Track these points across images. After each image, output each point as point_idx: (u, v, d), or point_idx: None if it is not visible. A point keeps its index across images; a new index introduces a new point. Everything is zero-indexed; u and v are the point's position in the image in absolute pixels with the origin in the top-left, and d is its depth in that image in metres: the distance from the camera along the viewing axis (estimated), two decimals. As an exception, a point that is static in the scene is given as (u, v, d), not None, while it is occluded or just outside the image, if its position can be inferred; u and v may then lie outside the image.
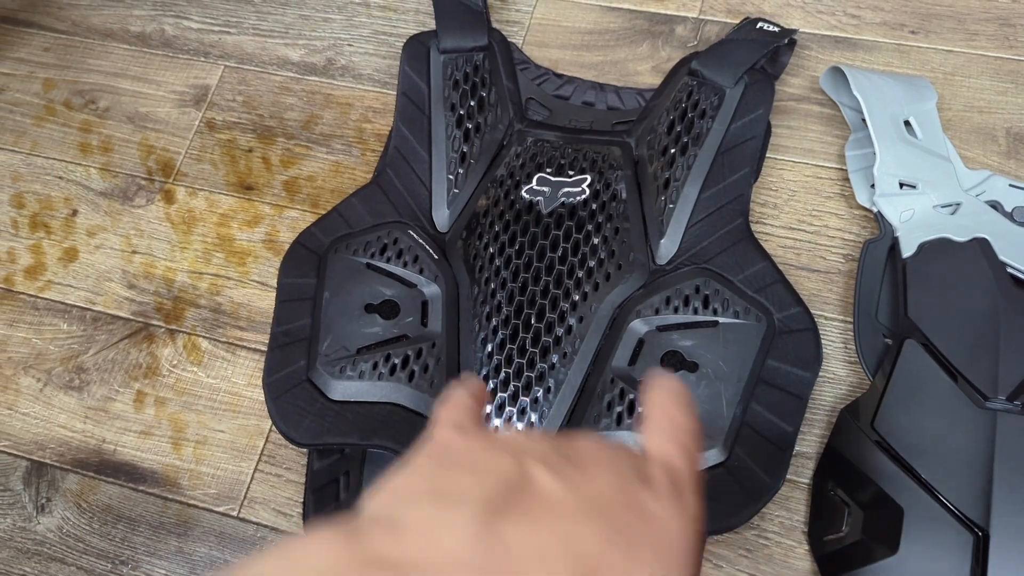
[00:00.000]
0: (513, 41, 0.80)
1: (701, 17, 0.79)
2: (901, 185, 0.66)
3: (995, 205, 0.66)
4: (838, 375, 0.65)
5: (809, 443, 0.63)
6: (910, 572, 0.54)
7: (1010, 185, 0.67)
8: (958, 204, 0.65)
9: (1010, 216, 0.66)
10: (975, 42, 0.74)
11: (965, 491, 0.55)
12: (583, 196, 0.68)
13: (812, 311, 0.66)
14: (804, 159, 0.72)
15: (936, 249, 0.63)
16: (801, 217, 0.70)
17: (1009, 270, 0.62)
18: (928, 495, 0.56)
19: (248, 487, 0.66)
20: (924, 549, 0.55)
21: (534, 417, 0.63)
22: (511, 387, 0.63)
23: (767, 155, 0.73)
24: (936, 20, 0.75)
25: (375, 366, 0.64)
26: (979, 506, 0.54)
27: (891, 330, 0.63)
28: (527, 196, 0.68)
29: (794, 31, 0.72)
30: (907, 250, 0.64)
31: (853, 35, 0.76)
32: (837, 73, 0.70)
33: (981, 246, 0.62)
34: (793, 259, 0.69)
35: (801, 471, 0.62)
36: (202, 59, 0.85)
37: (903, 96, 0.68)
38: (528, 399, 0.63)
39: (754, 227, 0.70)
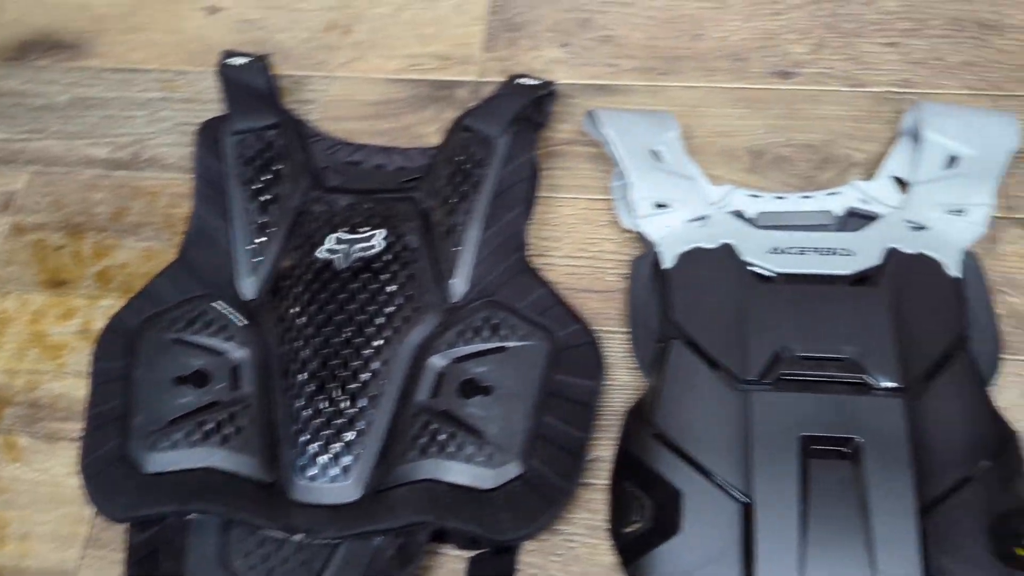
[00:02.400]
0: (311, 117, 0.86)
1: (479, 80, 0.87)
2: (657, 206, 0.74)
3: (739, 214, 0.75)
4: (624, 382, 0.71)
5: (606, 447, 0.68)
6: (691, 547, 0.60)
7: (748, 195, 0.76)
8: (706, 216, 0.74)
9: (753, 222, 0.74)
10: (714, 77, 0.84)
11: (731, 466, 0.61)
12: (376, 250, 0.73)
13: (596, 327, 0.73)
14: (578, 195, 0.80)
15: (691, 258, 0.71)
16: (580, 246, 0.77)
17: (752, 268, 0.70)
18: (701, 475, 0.62)
19: (76, 574, 0.66)
20: (701, 524, 0.60)
21: (348, 460, 0.66)
22: (323, 435, 0.66)
23: (546, 195, 0.80)
24: (680, 62, 0.86)
25: (188, 434, 0.66)
26: (743, 478, 0.61)
27: (662, 334, 0.70)
28: (324, 256, 0.73)
29: (551, 83, 0.81)
30: (668, 262, 0.71)
31: (612, 82, 0.85)
32: (592, 116, 0.78)
33: (727, 251, 0.71)
34: (576, 283, 0.76)
35: (601, 474, 0.68)
36: (7, 167, 0.87)
37: (649, 129, 0.77)
38: (340, 444, 0.66)
39: (539, 259, 0.77)
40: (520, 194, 0.74)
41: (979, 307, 0.68)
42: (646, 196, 0.74)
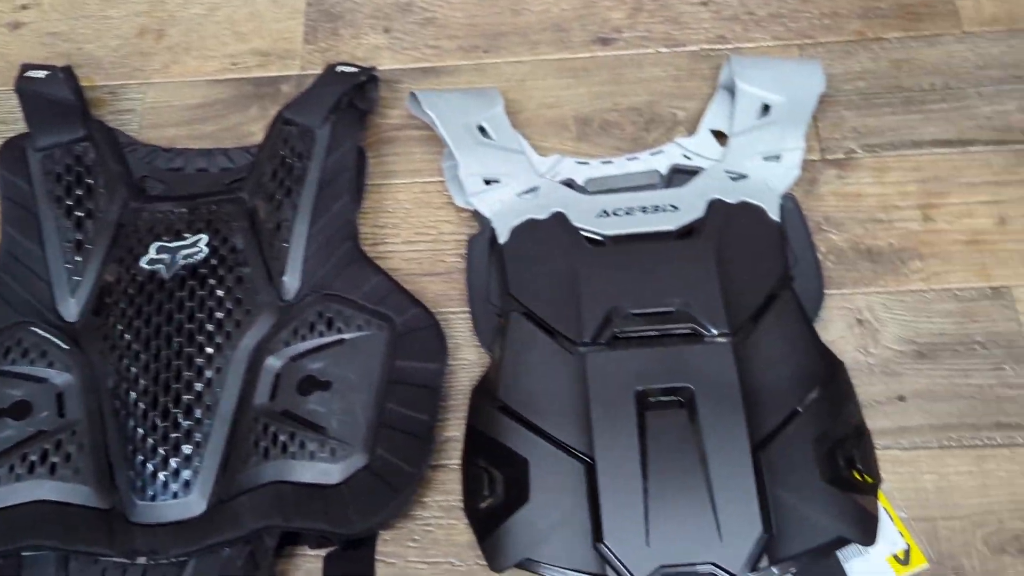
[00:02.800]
0: (130, 127, 0.83)
1: (302, 73, 0.85)
2: (487, 182, 0.74)
3: (570, 183, 0.75)
4: (471, 360, 0.71)
5: (457, 427, 0.68)
6: (540, 513, 0.60)
7: (577, 162, 0.76)
8: (536, 188, 0.74)
9: (583, 189, 0.75)
10: (537, 50, 0.85)
11: (572, 429, 0.62)
12: (201, 255, 0.70)
13: (440, 309, 0.72)
14: (413, 179, 0.79)
15: (524, 230, 0.71)
16: (419, 230, 0.77)
17: (583, 233, 0.70)
18: (545, 441, 0.62)
19: (-95, 634, 0.62)
20: (548, 490, 0.60)
21: (188, 474, 0.64)
22: (160, 452, 0.64)
23: (380, 182, 0.79)
24: (503, 38, 0.85)
25: (11, 469, 0.62)
26: (584, 438, 0.61)
27: (502, 309, 0.69)
28: (147, 267, 0.70)
29: (371, 69, 0.79)
30: (502, 236, 0.71)
31: (437, 64, 0.85)
32: (415, 99, 0.77)
33: (558, 219, 0.71)
34: (417, 268, 0.75)
35: (454, 455, 0.67)
36: None
37: (473, 106, 0.77)
38: (179, 459, 0.64)
39: (378, 246, 0.76)
40: (346, 183, 0.73)
41: (801, 247, 0.71)
42: (474, 172, 0.73)
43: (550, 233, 0.70)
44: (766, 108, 0.75)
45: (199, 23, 0.89)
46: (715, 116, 0.78)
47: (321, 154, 0.73)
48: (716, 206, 0.70)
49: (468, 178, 0.73)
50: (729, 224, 0.69)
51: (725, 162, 0.74)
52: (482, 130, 0.76)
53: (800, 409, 0.62)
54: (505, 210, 0.73)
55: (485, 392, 0.66)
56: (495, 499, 0.62)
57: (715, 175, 0.73)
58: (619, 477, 0.60)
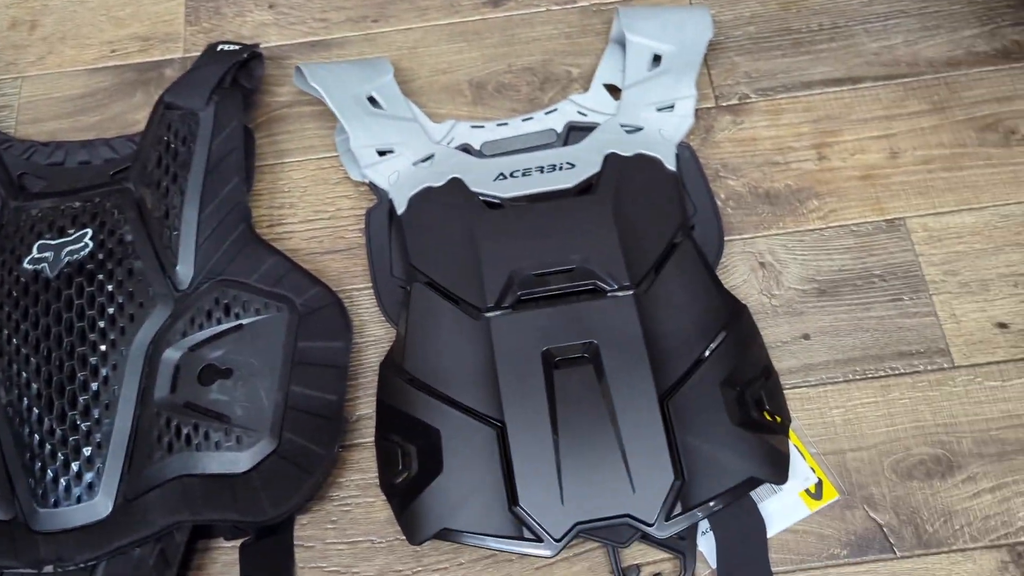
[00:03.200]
0: (7, 124, 0.79)
1: (186, 56, 0.82)
2: (380, 153, 0.72)
3: (466, 148, 0.74)
4: (378, 336, 0.70)
5: (368, 404, 0.67)
6: (454, 482, 0.59)
7: (472, 126, 0.75)
8: (431, 155, 0.72)
9: (479, 153, 0.74)
10: (427, 16, 0.83)
11: (482, 395, 0.61)
12: (87, 250, 0.67)
13: (343, 287, 0.71)
14: (307, 156, 0.77)
15: (422, 199, 0.70)
16: (316, 208, 0.75)
17: (482, 198, 0.69)
18: (455, 410, 0.61)
19: None
20: (462, 457, 0.60)
21: (91, 476, 0.61)
22: (60, 456, 0.61)
23: (273, 161, 0.77)
24: (391, 6, 0.84)
25: (-101, 488, 0.59)
26: (494, 403, 0.61)
27: (405, 281, 0.68)
28: (30, 267, 0.67)
29: (254, 46, 0.77)
30: (400, 207, 0.70)
31: (325, 36, 0.82)
32: (301, 72, 0.75)
33: (455, 184, 0.70)
34: (318, 247, 0.73)
35: (367, 432, 0.66)
36: None
37: (361, 76, 0.75)
38: (80, 461, 0.62)
39: (276, 227, 0.74)
40: (234, 165, 0.70)
41: (699, 196, 0.71)
42: (366, 144, 0.72)
43: (448, 200, 0.69)
44: (657, 59, 0.75)
45: (74, 11, 0.85)
46: (607, 70, 0.77)
47: (206, 137, 0.71)
48: (612, 160, 0.70)
49: (361, 150, 0.72)
50: (625, 177, 0.69)
51: (619, 116, 0.73)
52: (372, 101, 0.74)
53: (706, 355, 0.62)
54: (401, 180, 0.71)
55: (392, 366, 0.65)
56: (410, 473, 0.61)
57: (610, 129, 0.73)
58: (530, 439, 0.59)
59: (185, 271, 0.68)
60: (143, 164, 0.71)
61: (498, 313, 0.64)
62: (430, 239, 0.68)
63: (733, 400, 0.61)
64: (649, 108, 0.73)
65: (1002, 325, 0.67)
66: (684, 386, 0.61)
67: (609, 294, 0.64)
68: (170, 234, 0.68)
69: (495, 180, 0.70)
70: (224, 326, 0.65)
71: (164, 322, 0.66)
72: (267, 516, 0.59)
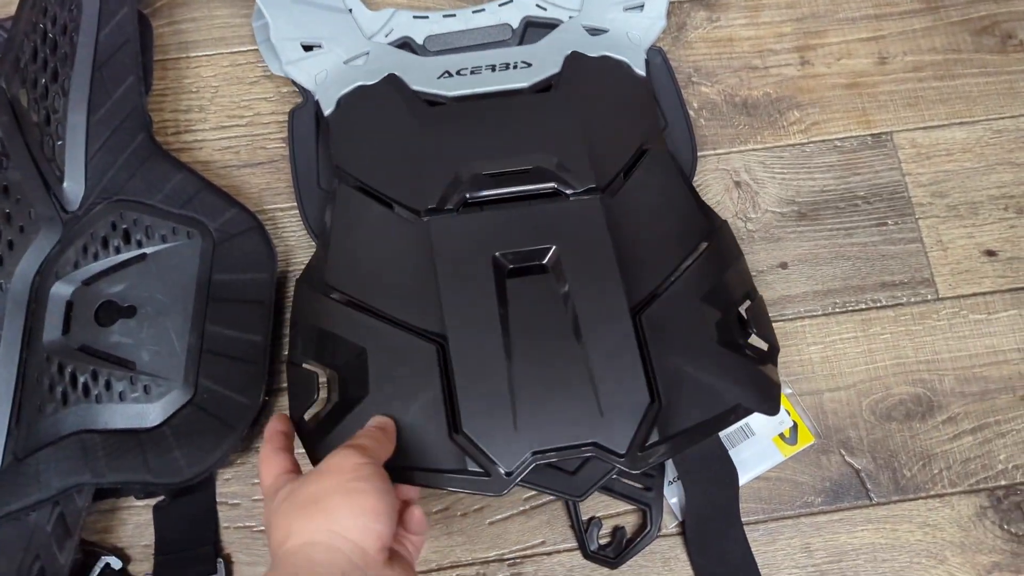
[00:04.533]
0: None
1: (66, -79, 0.68)
2: (306, 48, 0.62)
3: (407, 42, 0.64)
4: (305, 262, 0.60)
5: (298, 342, 0.59)
6: (382, 406, 0.50)
7: (414, 17, 0.65)
8: (366, 53, 0.62)
9: (423, 48, 0.64)
10: None
11: (419, 307, 0.52)
12: (-49, 163, 0.56)
13: (264, 207, 0.62)
14: (218, 49, 0.66)
15: (353, 98, 0.60)
16: (231, 112, 0.64)
17: (422, 98, 0.60)
18: (389, 325, 0.52)
19: None
20: (393, 379, 0.51)
21: (-29, 432, 0.53)
22: (-67, 412, 0.52)
23: (176, 55, 0.65)
24: None
25: None
26: (433, 316, 0.52)
27: (328, 186, 0.59)
28: None
29: (147, -90, 0.64)
30: (327, 108, 0.60)
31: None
32: None
33: (391, 81, 0.60)
34: (234, 159, 0.63)
35: (297, 374, 0.58)
36: None
37: None
38: (-41, 416, 0.52)
39: (184, 136, 0.63)
40: (128, 59, 0.59)
41: (670, 106, 0.63)
42: (291, 36, 0.61)
43: (383, 98, 0.59)
44: (625, -53, 0.65)
45: None
46: (571, -44, 0.67)
47: (92, 25, 0.59)
48: (574, 60, 0.61)
49: (283, 43, 0.61)
50: (590, 78, 0.60)
51: (583, 15, 0.64)
52: (296, -14, 0.63)
53: (683, 267, 0.54)
54: (330, 80, 0.61)
55: (310, 280, 0.55)
56: (329, 402, 0.53)
57: (572, 29, 0.63)
58: (477, 354, 0.51)
59: (74, 188, 0.57)
60: (15, 57, 0.59)
61: (440, 216, 0.55)
62: (361, 139, 0.58)
63: (715, 319, 0.54)
64: (616, 7, 0.64)
65: (990, 252, 0.62)
66: (661, 298, 0.53)
67: (571, 197, 0.56)
68: (52, 144, 0.57)
69: (439, 78, 0.61)
70: (124, 255, 0.56)
71: (51, 250, 0.56)
72: (184, 477, 0.52)
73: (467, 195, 0.55)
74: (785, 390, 0.58)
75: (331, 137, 0.58)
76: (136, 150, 0.58)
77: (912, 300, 0.61)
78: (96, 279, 0.55)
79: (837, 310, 0.61)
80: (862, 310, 0.61)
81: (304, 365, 0.54)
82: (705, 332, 0.53)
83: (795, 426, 0.58)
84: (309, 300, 0.55)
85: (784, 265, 0.61)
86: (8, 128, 0.57)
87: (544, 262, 0.53)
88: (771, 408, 0.52)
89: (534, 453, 0.48)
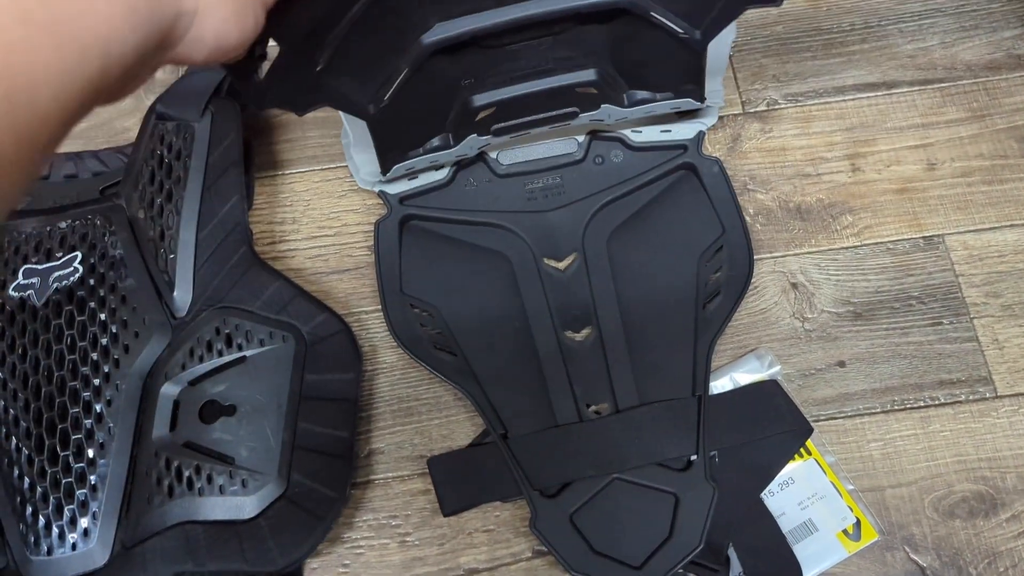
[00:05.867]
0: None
1: (178, 55, 0.77)
2: None
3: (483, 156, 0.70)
4: (389, 362, 0.66)
5: (379, 439, 0.63)
6: None
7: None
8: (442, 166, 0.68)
9: (496, 161, 0.70)
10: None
11: None
12: (77, 275, 0.63)
13: (351, 310, 0.67)
14: (310, 167, 0.72)
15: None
16: (320, 224, 0.70)
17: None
18: None
19: None
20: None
21: (86, 521, 0.58)
22: (52, 500, 0.58)
23: (272, 173, 0.72)
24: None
25: None
26: None
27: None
28: (15, 294, 0.62)
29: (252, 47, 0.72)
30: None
31: (326, 35, 0.77)
32: None
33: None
34: (323, 266, 0.69)
35: (380, 468, 0.63)
36: None
37: None
38: (74, 505, 0.58)
39: (278, 245, 0.69)
40: (234, 181, 0.66)
41: (728, 214, 0.67)
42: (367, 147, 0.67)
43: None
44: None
45: (54, 6, 0.79)
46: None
47: (202, 151, 0.66)
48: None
49: (363, 158, 0.67)
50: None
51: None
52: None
53: None
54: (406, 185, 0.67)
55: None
56: None
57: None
58: None
59: (183, 297, 0.63)
60: (135, 180, 0.66)
61: None
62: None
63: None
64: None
65: (1047, 351, 0.64)
66: None
67: None
68: (166, 257, 0.64)
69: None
70: (226, 358, 0.61)
71: (161, 353, 0.62)
72: (277, 566, 0.56)
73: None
74: (847, 486, 0.60)
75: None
76: (238, 261, 0.64)
77: (970, 398, 0.62)
78: (201, 380, 0.61)
79: (896, 408, 0.62)
80: (921, 408, 0.62)
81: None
82: None
83: (858, 522, 0.59)
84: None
85: (842, 363, 0.64)
86: (127, 244, 0.64)
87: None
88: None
89: None
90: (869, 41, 0.75)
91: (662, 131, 0.68)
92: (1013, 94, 0.72)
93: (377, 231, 0.67)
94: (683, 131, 0.68)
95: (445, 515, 0.59)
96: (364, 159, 0.66)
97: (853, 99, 0.73)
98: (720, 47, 0.69)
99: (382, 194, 0.68)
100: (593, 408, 0.61)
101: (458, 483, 0.59)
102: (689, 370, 0.61)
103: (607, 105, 0.64)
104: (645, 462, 0.57)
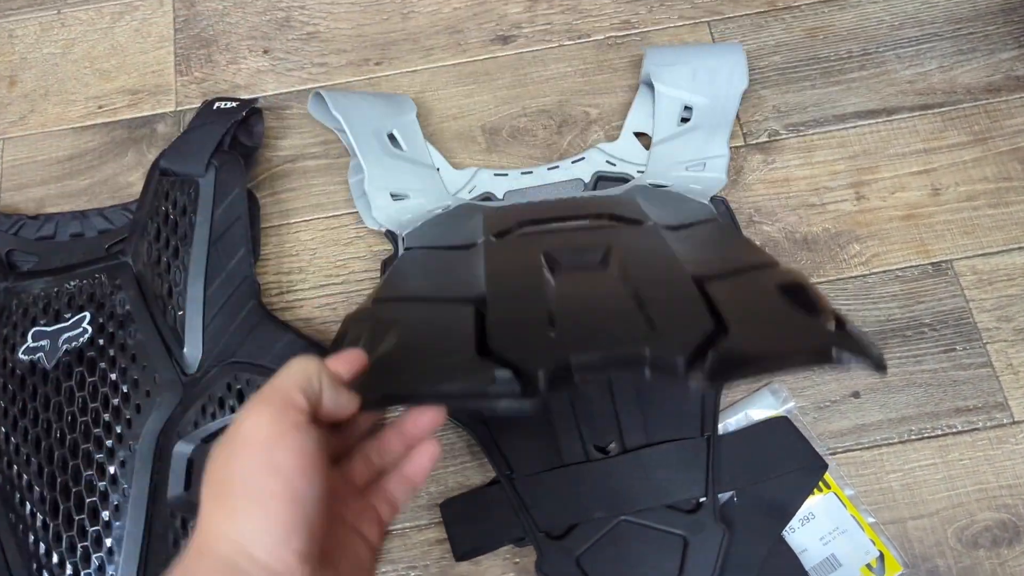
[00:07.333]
0: (-10, 193, 0.74)
1: (179, 109, 0.77)
2: (393, 196, 0.67)
3: (488, 197, 0.70)
4: (400, 409, 0.65)
5: (396, 487, 0.63)
6: (410, 336, 0.44)
7: (495, 174, 0.71)
8: (448, 206, 0.68)
9: (502, 202, 0.70)
10: (432, 56, 0.78)
11: (462, 287, 0.51)
12: (87, 335, 0.63)
13: (361, 359, 0.66)
14: (315, 215, 0.72)
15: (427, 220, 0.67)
16: (327, 272, 0.70)
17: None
18: (427, 303, 0.50)
19: None
20: (422, 320, 0.46)
21: (103, 587, 0.57)
22: (69, 565, 0.57)
23: (278, 223, 0.72)
24: (394, 47, 0.79)
25: None
26: (475, 288, 0.49)
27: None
28: (25, 357, 0.62)
29: (254, 100, 0.72)
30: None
31: (326, 82, 0.78)
32: (320, 99, 0.69)
33: (463, 205, 0.67)
34: (331, 315, 0.69)
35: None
36: None
37: (384, 111, 0.70)
38: (91, 570, 0.57)
39: (286, 296, 0.69)
40: (240, 234, 0.66)
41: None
42: (382, 185, 0.67)
43: (454, 211, 0.66)
44: (688, 107, 0.71)
45: (55, 64, 0.80)
46: (638, 116, 0.73)
47: (207, 206, 0.66)
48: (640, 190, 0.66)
49: (374, 191, 0.67)
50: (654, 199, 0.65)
51: (648, 173, 0.69)
52: (392, 139, 0.70)
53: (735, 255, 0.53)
54: (415, 223, 0.67)
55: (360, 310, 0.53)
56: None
57: (639, 184, 0.68)
58: (513, 279, 0.48)
59: (193, 354, 0.63)
60: (141, 237, 0.66)
61: (496, 238, 0.57)
62: (429, 233, 0.65)
63: (774, 283, 0.46)
64: (679, 167, 0.69)
65: (1062, 374, 0.63)
66: (720, 277, 0.46)
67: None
68: (174, 314, 0.64)
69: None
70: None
71: (173, 411, 0.62)
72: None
73: (526, 229, 0.58)
74: (868, 519, 0.60)
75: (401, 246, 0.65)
76: (247, 316, 0.64)
77: (988, 425, 0.62)
78: (213, 437, 0.60)
79: (913, 437, 0.62)
80: (938, 436, 0.62)
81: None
82: (768, 287, 0.45)
83: (882, 556, 0.59)
84: (354, 317, 0.50)
85: (856, 394, 0.64)
86: (135, 301, 0.64)
87: (598, 259, 0.50)
88: (824, 357, 0.40)
89: (575, 359, 0.39)
90: (868, 68, 0.75)
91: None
92: (1014, 115, 0.72)
93: (384, 271, 0.67)
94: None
95: (457, 559, 0.59)
96: (382, 201, 0.67)
97: (854, 127, 0.73)
98: (729, 101, 0.69)
99: (388, 234, 0.68)
100: (600, 447, 0.60)
101: (469, 524, 0.59)
102: (698, 409, 0.61)
103: None
104: (653, 504, 0.57)
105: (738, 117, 0.74)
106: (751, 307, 0.43)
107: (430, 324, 0.45)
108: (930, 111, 0.73)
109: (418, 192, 0.68)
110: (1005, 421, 0.62)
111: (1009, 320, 0.65)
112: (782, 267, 0.49)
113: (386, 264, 0.68)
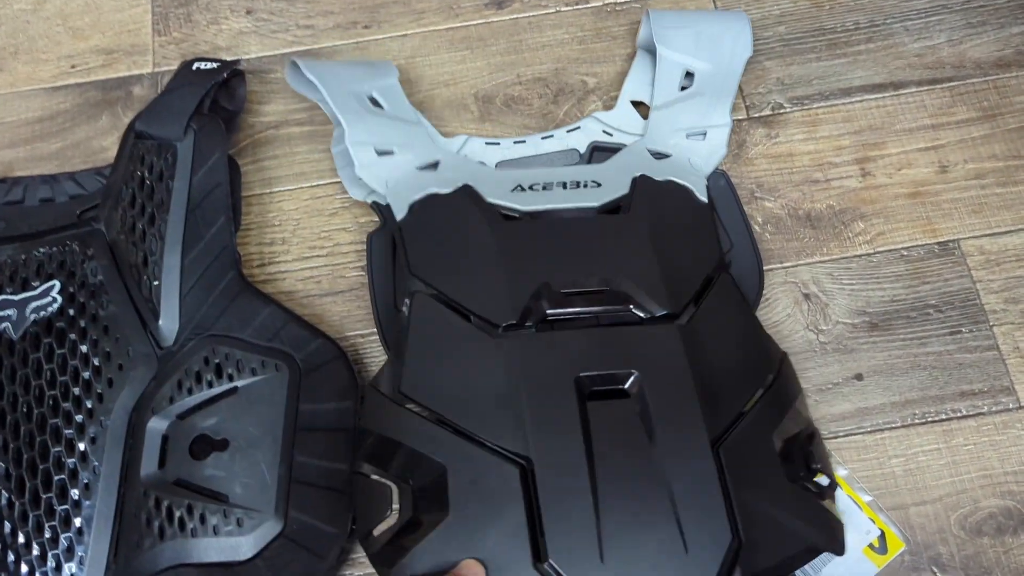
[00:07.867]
0: (-43, 154, 0.70)
1: (157, 71, 0.73)
2: (379, 153, 0.64)
3: (481, 164, 0.67)
4: (388, 388, 0.62)
5: (381, 468, 0.60)
6: (467, 528, 0.50)
7: (486, 143, 0.68)
8: (437, 161, 0.65)
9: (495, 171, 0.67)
10: (424, 20, 0.75)
11: (502, 426, 0.53)
12: (56, 305, 0.60)
13: (346, 334, 0.64)
14: (299, 184, 0.69)
15: (426, 205, 0.62)
16: (312, 244, 0.67)
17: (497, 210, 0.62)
18: (468, 442, 0.52)
19: None
20: (474, 500, 0.51)
21: (72, 567, 0.54)
22: (36, 545, 0.54)
23: (260, 191, 0.69)
24: (384, 9, 0.75)
25: None
26: (517, 436, 0.52)
27: (403, 291, 0.61)
28: (-9, 327, 0.59)
29: (234, 62, 0.69)
30: (399, 212, 0.62)
31: (312, 46, 0.74)
32: (296, 67, 0.66)
33: (467, 192, 0.62)
34: (315, 288, 0.66)
35: (381, 499, 0.59)
36: None
37: (363, 75, 0.67)
38: (59, 551, 0.54)
39: (267, 268, 0.66)
40: (220, 202, 0.63)
41: (735, 227, 0.64)
42: (364, 141, 0.64)
43: (458, 207, 0.61)
44: (689, 74, 0.68)
45: (26, 22, 0.76)
46: (635, 85, 0.70)
47: (185, 172, 0.63)
48: (642, 183, 0.63)
49: (357, 148, 0.63)
50: (657, 203, 0.62)
51: (647, 139, 0.66)
52: (374, 101, 0.66)
53: (755, 400, 0.55)
54: (402, 184, 0.63)
55: (382, 387, 0.57)
56: (401, 518, 0.53)
57: (637, 152, 0.66)
58: (563, 480, 0.51)
59: (169, 326, 0.60)
60: (115, 203, 0.63)
61: (519, 333, 0.56)
62: (436, 247, 0.60)
63: (784, 455, 0.55)
64: (679, 134, 0.66)
65: (1070, 358, 0.62)
66: (734, 433, 0.53)
67: (647, 322, 0.57)
68: (150, 284, 0.60)
69: (512, 191, 0.63)
70: (217, 390, 0.58)
71: (147, 386, 0.58)
72: (277, 610, 0.53)
73: (546, 313, 0.57)
74: (865, 497, 0.58)
75: (405, 242, 0.60)
76: (227, 287, 0.61)
77: (993, 409, 0.60)
78: (190, 413, 0.57)
79: (917, 421, 0.60)
80: (942, 420, 0.60)
81: (373, 476, 0.54)
82: (777, 468, 0.53)
83: (882, 534, 0.57)
84: (383, 408, 0.55)
85: (859, 376, 0.62)
86: (108, 270, 0.61)
87: (626, 387, 0.54)
88: (840, 548, 0.53)
89: None
90: (875, 40, 0.72)
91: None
92: (1024, 92, 0.70)
93: (369, 244, 0.64)
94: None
95: None
96: (365, 157, 0.63)
97: (860, 101, 0.70)
98: (732, 69, 0.66)
99: (375, 206, 0.65)
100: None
101: None
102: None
103: None
104: None
105: (741, 89, 0.71)
106: (765, 511, 0.52)
107: (477, 486, 0.51)
108: (938, 86, 0.70)
109: (404, 147, 0.65)
110: (1011, 406, 0.60)
111: (1017, 302, 0.63)
112: (783, 386, 0.57)
113: (371, 238, 0.64)
